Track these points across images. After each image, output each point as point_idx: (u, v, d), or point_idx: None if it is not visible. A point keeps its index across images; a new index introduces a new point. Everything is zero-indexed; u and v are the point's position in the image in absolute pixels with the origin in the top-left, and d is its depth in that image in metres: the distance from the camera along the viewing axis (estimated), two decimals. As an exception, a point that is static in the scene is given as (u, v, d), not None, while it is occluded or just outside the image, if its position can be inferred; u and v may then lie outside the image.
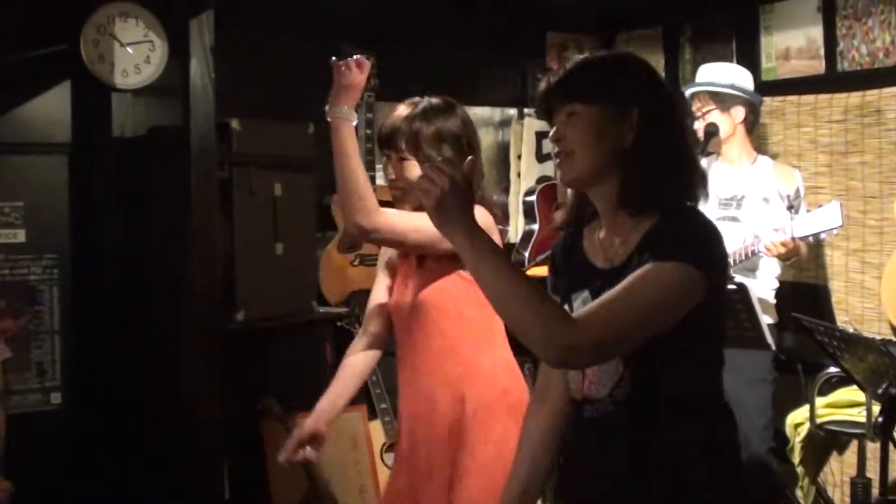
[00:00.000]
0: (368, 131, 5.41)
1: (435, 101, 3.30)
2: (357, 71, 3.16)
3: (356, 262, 5.45)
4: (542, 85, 2.43)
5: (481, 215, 3.12)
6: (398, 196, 3.29)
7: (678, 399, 2.29)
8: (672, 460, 2.28)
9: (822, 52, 5.42)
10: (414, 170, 3.19)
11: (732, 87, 4.93)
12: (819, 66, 5.45)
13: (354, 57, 3.16)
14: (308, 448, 3.37)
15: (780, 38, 5.63)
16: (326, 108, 3.14)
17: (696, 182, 2.38)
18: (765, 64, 5.67)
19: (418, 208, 3.17)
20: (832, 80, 5.40)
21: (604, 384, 2.33)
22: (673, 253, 2.20)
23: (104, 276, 4.78)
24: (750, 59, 5.57)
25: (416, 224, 3.09)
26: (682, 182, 2.36)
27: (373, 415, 5.25)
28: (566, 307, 2.41)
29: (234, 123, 4.69)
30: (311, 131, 4.98)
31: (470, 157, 2.46)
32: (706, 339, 2.35)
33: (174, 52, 4.67)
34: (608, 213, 2.40)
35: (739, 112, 4.91)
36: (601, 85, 2.35)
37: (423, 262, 3.26)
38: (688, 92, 5.01)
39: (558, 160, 2.40)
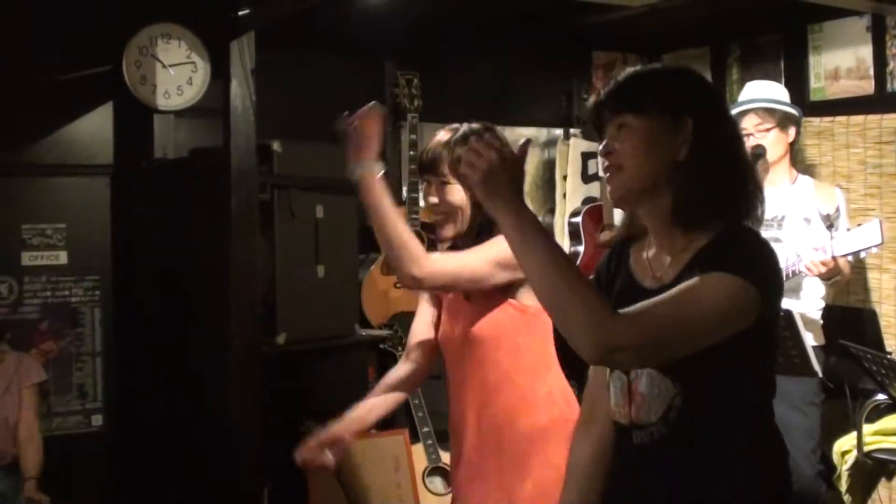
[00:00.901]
0: (412, 152, 5.40)
1: (475, 125, 3.22)
2: (369, 122, 3.07)
3: (399, 285, 5.42)
4: (593, 97, 2.34)
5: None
6: (440, 221, 3.21)
7: (731, 424, 2.21)
8: (727, 483, 2.21)
9: (871, 71, 5.36)
10: (456, 194, 3.15)
11: (791, 105, 4.86)
12: (868, 87, 5.39)
13: (364, 108, 3.07)
14: (327, 453, 3.36)
15: (828, 58, 5.57)
16: (348, 167, 3.06)
17: (753, 197, 2.27)
18: (813, 84, 5.61)
19: (460, 233, 3.17)
20: (882, 101, 5.34)
21: (655, 409, 2.24)
22: (730, 266, 2.11)
23: (146, 298, 4.79)
24: (798, 78, 5.52)
25: (467, 265, 3.05)
26: (738, 197, 2.25)
27: (415, 438, 5.21)
28: None
29: (276, 145, 4.69)
30: (354, 153, 4.96)
31: (526, 139, 2.35)
32: (759, 363, 2.26)
33: (216, 73, 4.68)
34: (659, 231, 2.30)
35: (792, 132, 4.85)
36: (654, 95, 2.27)
37: (471, 295, 3.19)
38: (741, 108, 4.89)
39: (607, 174, 2.30)
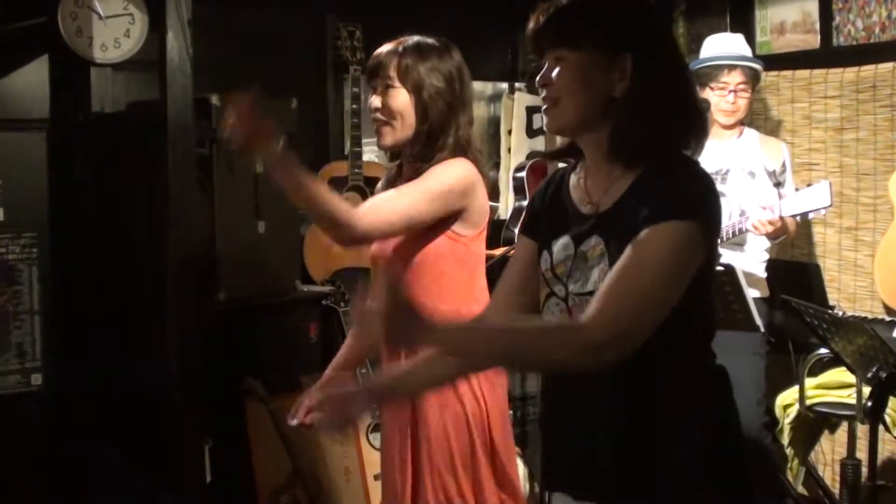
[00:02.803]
0: (355, 106, 5.35)
1: (430, 39, 3.22)
2: (241, 111, 2.89)
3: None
4: (531, 23, 2.30)
5: (462, 169, 3.11)
6: (380, 127, 3.19)
7: (672, 355, 2.20)
8: (649, 415, 2.23)
9: (817, 26, 5.35)
10: (399, 98, 3.13)
11: (762, 67, 4.86)
12: (814, 41, 5.38)
13: (231, 104, 2.91)
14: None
15: (774, 12, 5.55)
16: (253, 160, 3.05)
17: (695, 132, 2.26)
18: (759, 38, 5.59)
19: (399, 141, 3.18)
20: (827, 55, 5.33)
21: None
22: (671, 210, 2.10)
23: (84, 255, 4.71)
24: (744, 32, 5.47)
25: (397, 209, 3.03)
26: (678, 133, 2.24)
27: (358, 394, 5.18)
28: (545, 252, 2.34)
29: (215, 99, 4.60)
30: (293, 106, 4.91)
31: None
32: (700, 297, 2.24)
33: (154, 25, 4.58)
34: (596, 160, 2.29)
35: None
36: (592, 30, 2.22)
37: (422, 233, 3.17)
38: (730, 62, 4.81)
39: (545, 106, 2.29)
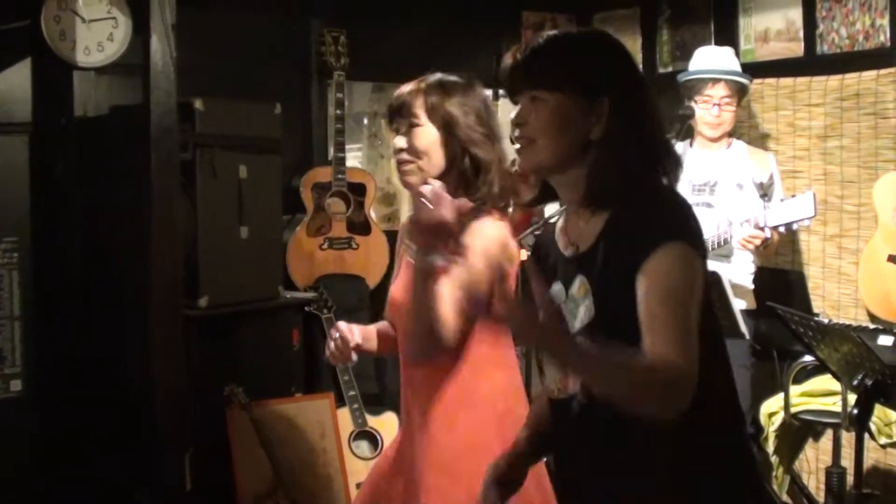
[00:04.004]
0: (339, 111, 5.33)
1: (452, 76, 3.08)
2: (440, 207, 2.61)
3: (325, 246, 5.37)
4: (508, 60, 2.27)
5: (492, 230, 2.92)
6: (404, 167, 3.03)
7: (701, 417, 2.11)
8: (639, 452, 2.18)
9: (801, 34, 5.36)
10: (424, 137, 2.99)
11: (750, 81, 4.85)
12: (798, 49, 5.39)
13: (431, 188, 2.65)
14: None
15: (759, 20, 5.55)
16: (412, 248, 2.76)
17: (668, 171, 2.23)
18: (743, 46, 5.59)
19: (424, 179, 2.90)
20: (811, 64, 5.34)
21: (574, 378, 2.23)
22: (662, 236, 2.07)
23: (66, 260, 4.68)
24: (728, 40, 5.49)
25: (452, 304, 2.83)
26: (653, 173, 2.21)
27: (341, 402, 5.17)
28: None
29: (198, 103, 4.59)
30: (277, 112, 4.89)
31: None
32: (716, 347, 2.22)
33: (137, 28, 4.56)
34: (571, 201, 2.28)
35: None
36: (569, 72, 2.20)
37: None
38: (713, 76, 4.81)
39: (518, 146, 2.25)
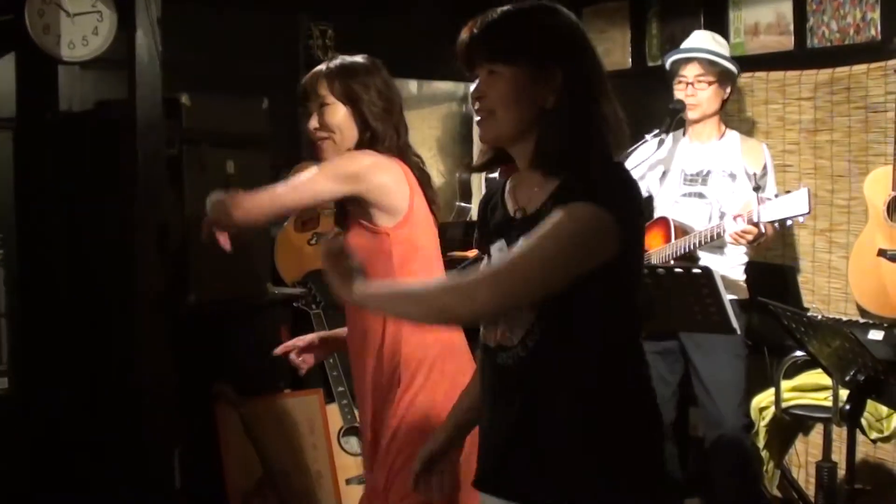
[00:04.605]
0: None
1: (356, 58, 3.33)
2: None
3: (313, 241, 5.34)
4: (464, 35, 2.37)
5: (362, 155, 3.21)
6: (321, 144, 3.32)
7: (586, 359, 2.26)
8: (560, 415, 2.27)
9: (791, 27, 5.34)
10: (336, 114, 3.26)
11: (732, 61, 4.82)
12: (788, 42, 5.37)
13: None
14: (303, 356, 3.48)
15: (749, 13, 5.54)
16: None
17: (617, 142, 2.33)
18: (733, 39, 5.57)
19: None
20: (802, 57, 5.33)
21: (516, 332, 2.30)
22: (581, 197, 2.17)
23: (52, 257, 4.64)
24: (718, 33, 5.44)
25: (295, 183, 3.22)
26: (601, 142, 2.30)
27: (329, 398, 5.14)
28: (486, 258, 2.45)
29: (184, 98, 4.55)
30: (264, 106, 4.86)
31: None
32: (619, 299, 2.29)
33: (123, 23, 4.52)
34: (525, 168, 2.37)
35: (728, 89, 4.82)
36: (523, 45, 2.30)
37: (347, 225, 3.29)
38: (684, 55, 4.81)
39: (478, 118, 2.36)
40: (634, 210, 2.28)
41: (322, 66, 3.32)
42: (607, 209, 2.16)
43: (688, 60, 4.78)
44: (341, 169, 3.16)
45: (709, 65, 4.74)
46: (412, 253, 3.22)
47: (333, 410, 5.11)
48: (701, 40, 4.90)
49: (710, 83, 4.74)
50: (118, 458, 4.45)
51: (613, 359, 2.30)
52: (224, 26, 5.22)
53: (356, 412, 5.10)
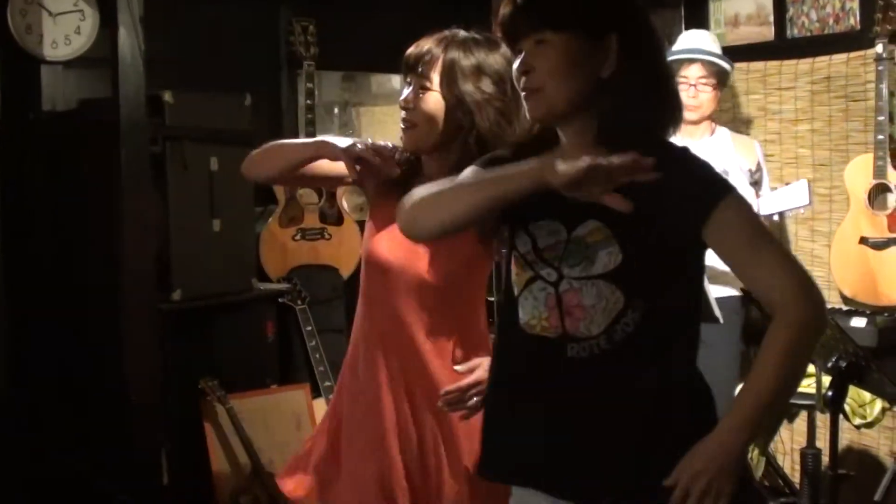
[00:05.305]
0: (309, 101, 5.32)
1: (476, 33, 2.80)
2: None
3: (298, 237, 5.35)
4: (506, 7, 2.18)
5: None
6: (406, 127, 2.74)
7: (673, 348, 2.17)
8: (661, 407, 2.15)
9: (771, 18, 5.36)
10: (432, 102, 2.70)
11: (732, 67, 4.83)
12: (769, 33, 5.39)
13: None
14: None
15: (728, 4, 5.56)
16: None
17: (674, 114, 2.20)
18: (713, 30, 5.57)
19: (421, 149, 2.77)
20: (782, 47, 5.34)
21: (598, 322, 2.14)
22: (720, 188, 2.12)
23: (36, 256, 4.64)
24: (699, 24, 5.49)
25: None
26: (661, 115, 2.18)
27: (316, 393, 5.15)
28: (522, 234, 2.24)
29: (167, 96, 4.56)
30: (247, 103, 4.87)
31: None
32: (696, 284, 2.25)
33: (105, 21, 4.52)
34: (577, 146, 2.15)
35: (718, 93, 4.82)
36: (576, 9, 2.13)
37: None
38: (688, 56, 4.76)
39: (525, 94, 2.17)
40: None
41: (434, 40, 2.77)
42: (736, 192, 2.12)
43: (691, 61, 4.74)
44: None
45: (710, 66, 4.74)
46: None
47: (320, 405, 5.12)
48: (702, 41, 4.87)
49: (712, 86, 4.74)
50: (105, 456, 4.45)
51: (691, 352, 2.22)
52: (206, 23, 5.20)
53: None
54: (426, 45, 2.75)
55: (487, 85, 2.69)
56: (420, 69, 2.72)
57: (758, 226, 2.13)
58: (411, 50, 2.77)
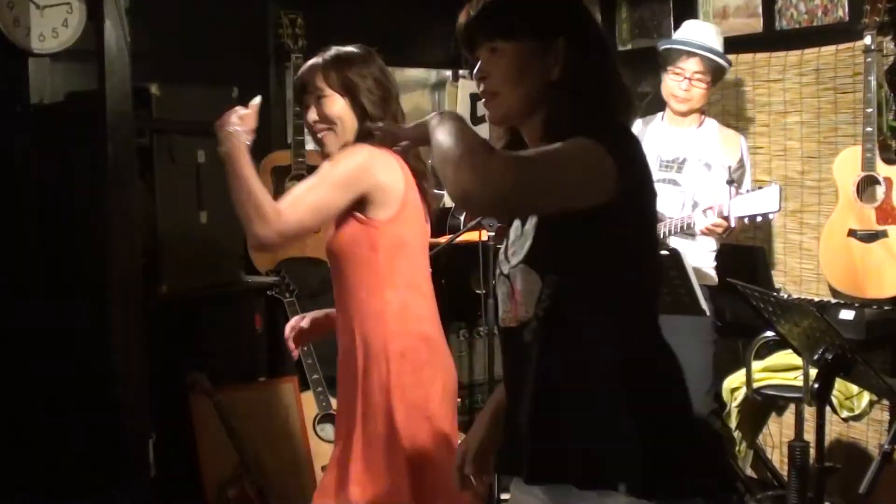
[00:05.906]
0: (297, 94, 5.31)
1: (350, 48, 3.35)
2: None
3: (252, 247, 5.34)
4: (462, 18, 2.34)
5: (360, 153, 3.21)
6: (323, 136, 3.33)
7: (599, 324, 2.21)
8: (577, 388, 2.20)
9: (760, 10, 5.37)
10: (335, 105, 3.27)
11: (728, 64, 4.81)
12: (757, 25, 5.40)
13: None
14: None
15: (717, -4, 5.56)
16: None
17: (623, 109, 2.33)
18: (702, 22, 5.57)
19: (345, 145, 3.27)
20: (770, 39, 5.35)
21: (527, 305, 2.26)
22: (588, 134, 2.15)
23: (22, 248, 4.63)
24: (687, 16, 5.47)
25: (313, 205, 3.15)
26: (609, 110, 2.28)
27: (304, 386, 5.15)
28: (505, 239, 2.40)
29: (154, 88, 4.56)
30: (235, 96, 4.84)
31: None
32: (625, 260, 2.23)
33: (92, 14, 4.51)
34: (535, 142, 2.31)
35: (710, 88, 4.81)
36: (523, 20, 2.27)
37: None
38: (689, 48, 4.72)
39: (483, 99, 2.33)
40: (635, 158, 2.22)
41: (317, 58, 3.36)
42: (604, 144, 2.12)
43: (690, 54, 4.71)
44: (341, 176, 3.17)
45: (709, 63, 4.70)
46: (399, 248, 3.25)
47: (308, 398, 5.12)
48: (706, 35, 4.81)
49: (707, 83, 4.72)
50: (93, 449, 4.44)
51: (628, 327, 2.24)
52: (193, 15, 5.19)
53: (331, 400, 5.13)
54: (307, 68, 3.41)
55: (370, 84, 3.35)
56: (308, 87, 3.36)
57: (548, 150, 2.15)
58: (296, 80, 3.46)
